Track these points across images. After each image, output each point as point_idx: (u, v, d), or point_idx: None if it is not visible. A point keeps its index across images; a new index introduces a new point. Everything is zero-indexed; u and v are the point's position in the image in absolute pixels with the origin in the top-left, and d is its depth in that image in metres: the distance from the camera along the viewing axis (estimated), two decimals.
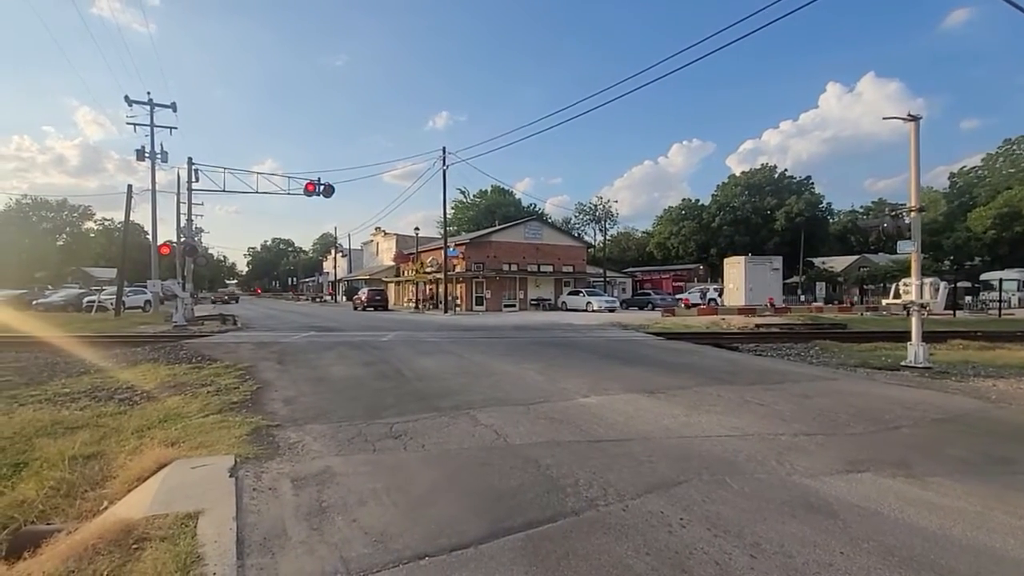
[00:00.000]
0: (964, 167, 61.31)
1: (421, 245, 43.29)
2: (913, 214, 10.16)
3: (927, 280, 10.12)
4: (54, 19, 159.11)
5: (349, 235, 74.71)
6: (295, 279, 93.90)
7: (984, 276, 41.15)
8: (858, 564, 2.61)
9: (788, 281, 46.01)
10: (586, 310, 33.44)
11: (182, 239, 21.07)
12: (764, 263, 34.48)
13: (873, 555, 2.70)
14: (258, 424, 5.28)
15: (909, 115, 10.27)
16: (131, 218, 26.95)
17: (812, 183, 61.48)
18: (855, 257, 57.08)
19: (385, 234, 59.17)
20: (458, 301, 36.47)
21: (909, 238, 10.20)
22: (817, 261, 56.02)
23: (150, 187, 25.14)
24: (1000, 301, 30.19)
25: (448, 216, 37.98)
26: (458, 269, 36.55)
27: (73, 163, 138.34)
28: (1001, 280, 33.92)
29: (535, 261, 39.31)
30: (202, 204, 49.59)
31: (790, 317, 24.35)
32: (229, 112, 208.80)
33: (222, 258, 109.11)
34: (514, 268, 37.93)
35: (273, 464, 4.10)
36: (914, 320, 10.08)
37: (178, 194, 27.76)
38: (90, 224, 75.03)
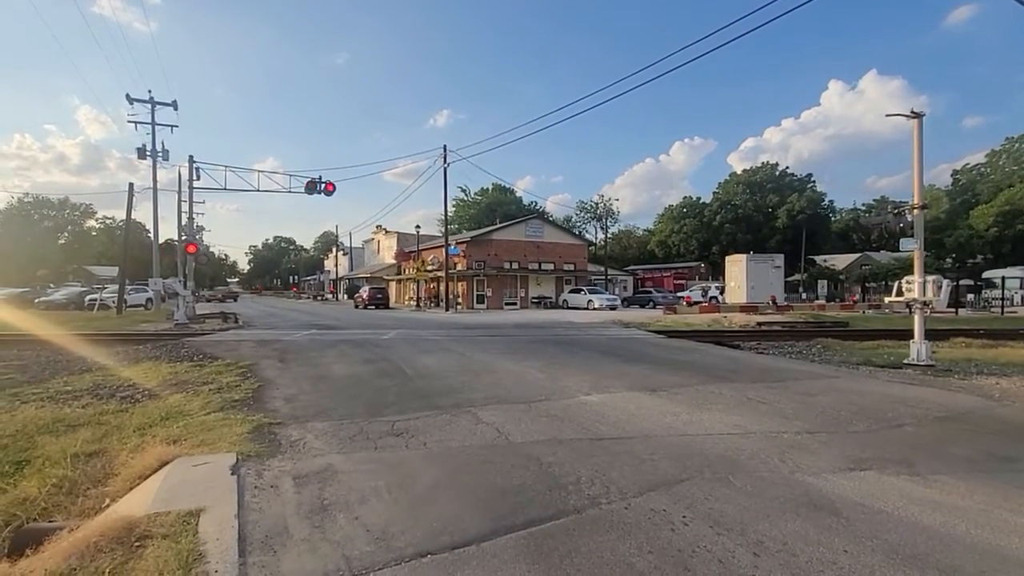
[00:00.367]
0: (967, 164, 61.32)
1: (422, 243, 43.28)
2: (916, 211, 10.11)
3: (930, 278, 10.10)
4: (56, 18, 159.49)
5: (350, 233, 74.88)
6: (296, 277, 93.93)
7: (986, 274, 40.96)
8: (862, 562, 2.60)
9: (790, 279, 45.92)
10: (587, 308, 33.40)
11: (183, 237, 21.10)
12: (766, 261, 34.44)
13: (877, 553, 2.69)
14: (260, 422, 5.27)
15: (912, 112, 10.22)
16: (132, 216, 27.00)
17: (814, 181, 61.66)
18: (857, 255, 56.86)
19: (386, 232, 59.12)
20: (459, 299, 36.46)
21: (912, 236, 10.17)
22: (819, 259, 55.86)
23: (151, 185, 25.26)
24: (1003, 299, 30.20)
25: (449, 214, 37.83)
26: (459, 267, 36.51)
27: (75, 161, 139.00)
28: (1003, 278, 33.86)
29: (536, 259, 39.21)
30: (203, 202, 49.78)
31: (792, 315, 24.30)
32: (230, 110, 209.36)
33: (223, 256, 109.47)
34: (515, 266, 37.85)
35: (275, 462, 4.10)
36: (916, 318, 10.06)
37: (179, 192, 27.82)
38: (91, 222, 75.34)
